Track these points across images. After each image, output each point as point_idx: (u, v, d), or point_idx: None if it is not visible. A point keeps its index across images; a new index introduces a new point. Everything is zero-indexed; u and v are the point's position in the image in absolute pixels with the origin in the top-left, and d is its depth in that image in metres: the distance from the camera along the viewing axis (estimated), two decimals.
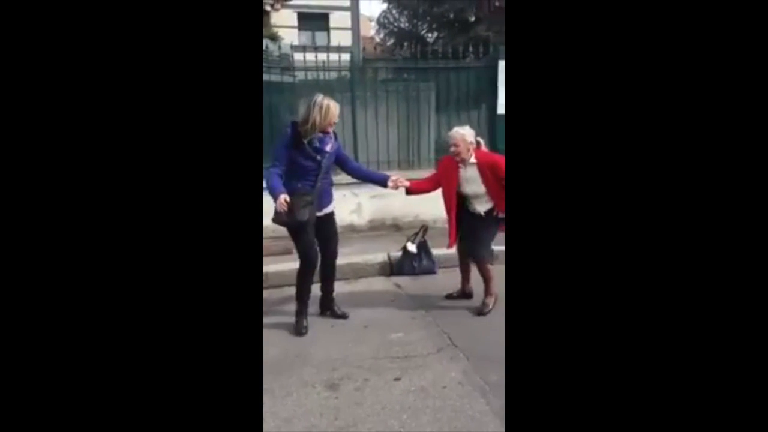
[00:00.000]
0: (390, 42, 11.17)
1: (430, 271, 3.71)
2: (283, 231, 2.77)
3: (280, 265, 3.44)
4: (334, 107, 2.58)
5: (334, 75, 4.64)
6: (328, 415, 1.95)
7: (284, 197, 2.45)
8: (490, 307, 2.88)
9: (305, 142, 2.57)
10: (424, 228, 3.81)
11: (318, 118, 2.54)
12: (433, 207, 4.75)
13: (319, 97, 2.60)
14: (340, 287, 3.14)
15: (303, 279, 2.77)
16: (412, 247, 3.70)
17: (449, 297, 3.14)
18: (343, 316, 2.89)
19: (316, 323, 2.85)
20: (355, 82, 4.59)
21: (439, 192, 4.67)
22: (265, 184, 2.41)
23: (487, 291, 2.91)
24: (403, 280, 3.56)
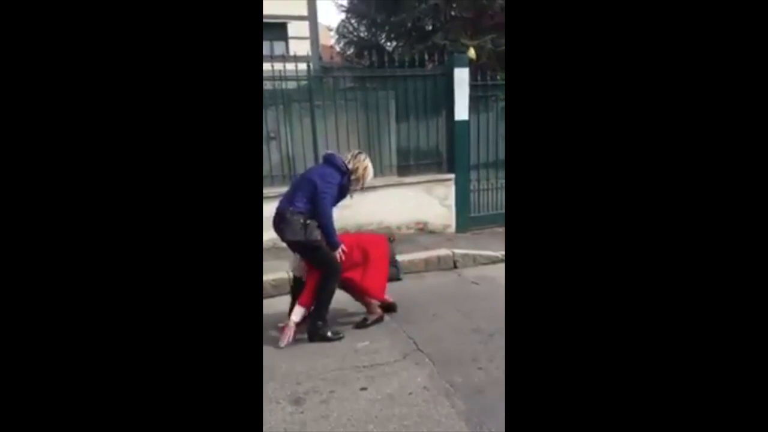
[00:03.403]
0: (350, 51, 11.21)
1: (395, 278, 3.71)
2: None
3: None
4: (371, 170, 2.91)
5: (293, 84, 4.61)
6: (293, 431, 1.91)
7: (342, 248, 2.78)
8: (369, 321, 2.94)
9: (344, 187, 2.81)
10: (391, 238, 3.82)
11: (363, 182, 2.86)
12: (396, 213, 4.79)
13: (367, 160, 2.87)
14: None
15: (331, 288, 2.77)
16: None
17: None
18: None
19: (278, 336, 2.79)
20: (313, 91, 4.58)
21: (402, 198, 4.70)
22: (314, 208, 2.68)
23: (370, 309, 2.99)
24: None
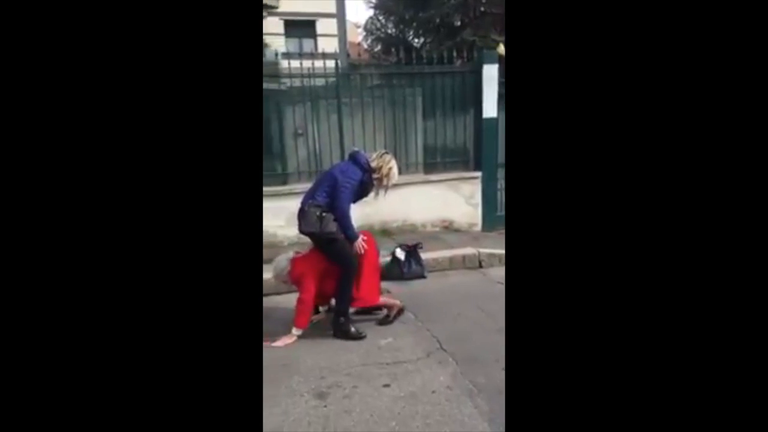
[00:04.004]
0: (377, 48, 11.21)
1: (420, 276, 3.71)
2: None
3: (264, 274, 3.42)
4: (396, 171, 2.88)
5: (320, 81, 4.65)
6: (316, 425, 1.93)
7: (363, 238, 2.79)
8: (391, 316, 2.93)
9: (365, 185, 2.81)
10: (420, 245, 3.81)
11: (387, 182, 2.84)
12: (421, 211, 4.78)
13: (392, 162, 2.84)
14: None
15: (349, 284, 2.78)
16: (400, 254, 3.69)
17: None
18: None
19: (304, 333, 2.83)
20: (341, 87, 4.60)
21: (428, 196, 4.65)
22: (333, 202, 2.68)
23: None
24: (393, 285, 3.55)
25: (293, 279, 2.82)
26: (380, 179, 2.83)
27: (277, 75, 4.65)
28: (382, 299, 2.96)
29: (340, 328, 2.74)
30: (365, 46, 11.56)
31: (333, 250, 2.76)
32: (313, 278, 2.74)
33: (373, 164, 2.81)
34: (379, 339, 2.69)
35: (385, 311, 2.95)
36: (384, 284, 3.59)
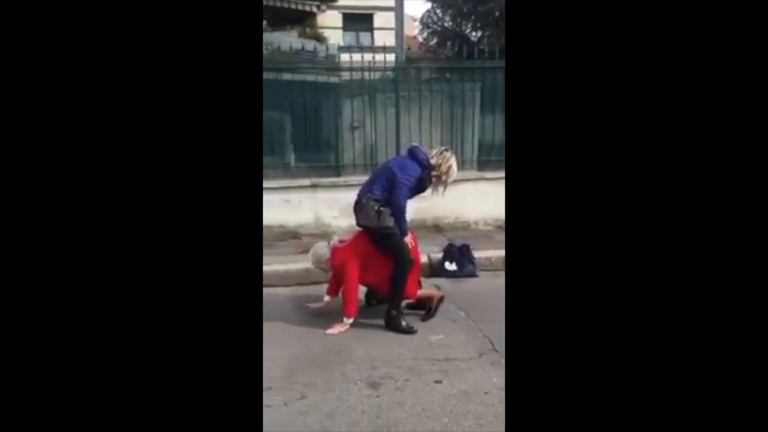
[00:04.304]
0: (433, 41, 11.09)
1: (472, 275, 3.67)
2: None
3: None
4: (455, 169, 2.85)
5: (378, 74, 4.67)
6: (369, 413, 1.97)
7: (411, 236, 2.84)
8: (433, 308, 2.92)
9: (423, 181, 2.79)
10: (464, 246, 3.76)
11: (446, 180, 2.82)
12: (475, 209, 4.70)
13: (453, 159, 2.83)
14: None
15: (403, 278, 2.80)
16: (454, 252, 3.66)
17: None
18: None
19: (356, 322, 2.88)
20: (399, 81, 4.60)
21: (482, 194, 4.55)
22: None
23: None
24: (444, 282, 3.54)
25: (334, 267, 2.85)
26: (439, 176, 2.81)
27: (336, 68, 4.72)
28: (420, 292, 2.95)
29: (392, 321, 2.77)
30: (421, 39, 11.47)
31: (389, 245, 2.78)
32: (356, 266, 2.77)
33: (433, 161, 2.79)
34: (429, 335, 2.69)
35: (426, 307, 2.94)
36: (434, 281, 3.59)
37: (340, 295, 2.89)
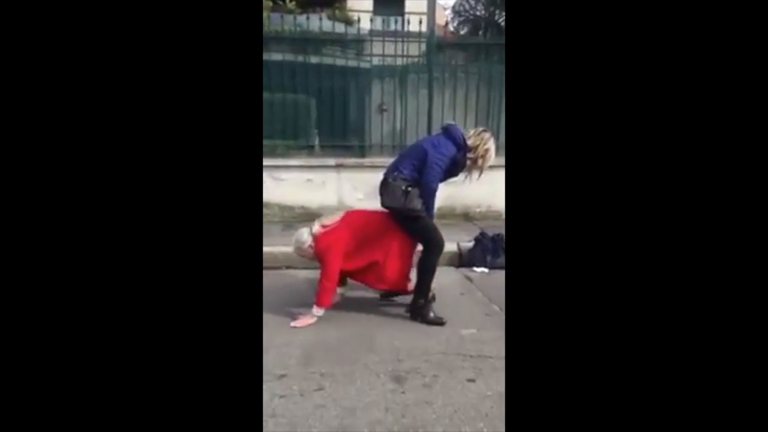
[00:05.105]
0: (463, 31, 10.76)
1: (504, 267, 3.41)
2: None
3: None
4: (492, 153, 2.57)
5: (409, 60, 4.45)
6: (394, 411, 1.75)
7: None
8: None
9: (458, 163, 2.53)
10: (497, 236, 3.49)
11: (483, 164, 2.55)
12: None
13: (491, 141, 2.55)
14: None
15: (433, 264, 2.55)
16: (486, 242, 3.40)
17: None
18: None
19: (378, 309, 2.66)
20: (431, 64, 4.36)
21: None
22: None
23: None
24: (475, 274, 3.29)
25: (317, 253, 2.53)
26: (475, 160, 2.53)
27: (366, 54, 4.50)
28: (411, 286, 2.63)
29: (418, 311, 2.53)
30: (451, 29, 11.15)
31: (416, 228, 2.53)
32: (339, 254, 2.47)
33: (470, 142, 2.51)
34: (460, 328, 2.45)
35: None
36: (465, 272, 3.35)
37: (342, 286, 2.63)
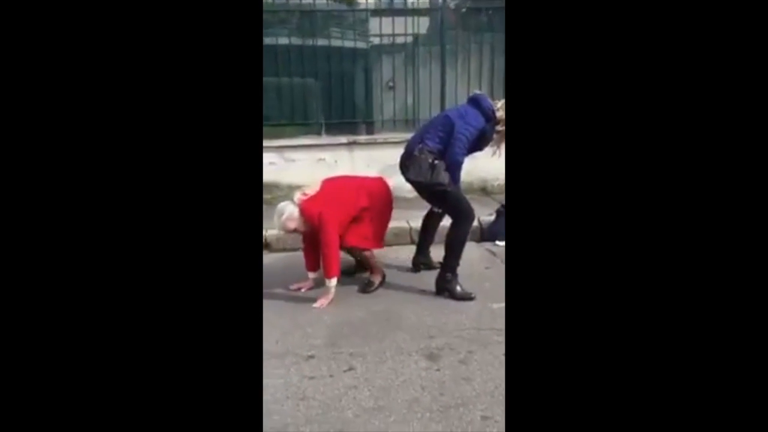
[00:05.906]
0: (464, 9, 10.44)
1: None
2: None
3: None
4: None
5: (421, 29, 4.28)
6: (431, 389, 1.65)
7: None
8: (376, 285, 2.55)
9: (486, 135, 2.41)
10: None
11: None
12: None
13: None
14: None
15: (462, 237, 2.42)
16: (501, 243, 3.23)
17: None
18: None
19: (401, 287, 2.56)
20: (444, 35, 4.20)
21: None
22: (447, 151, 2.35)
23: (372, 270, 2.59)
24: (498, 248, 3.17)
25: (309, 222, 2.36)
26: (501, 134, 2.38)
27: (367, 34, 4.33)
28: (373, 261, 2.55)
29: (445, 286, 2.42)
30: (452, 6, 10.83)
31: (445, 202, 2.42)
32: (333, 219, 2.32)
33: (498, 114, 2.35)
34: (490, 302, 2.34)
35: (369, 276, 2.57)
36: (488, 246, 3.22)
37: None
